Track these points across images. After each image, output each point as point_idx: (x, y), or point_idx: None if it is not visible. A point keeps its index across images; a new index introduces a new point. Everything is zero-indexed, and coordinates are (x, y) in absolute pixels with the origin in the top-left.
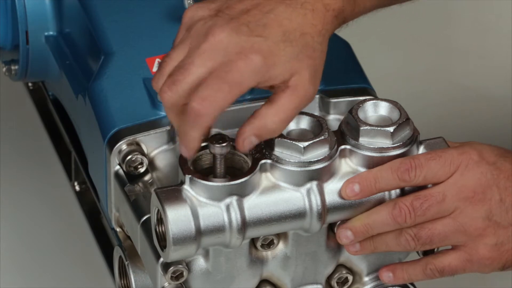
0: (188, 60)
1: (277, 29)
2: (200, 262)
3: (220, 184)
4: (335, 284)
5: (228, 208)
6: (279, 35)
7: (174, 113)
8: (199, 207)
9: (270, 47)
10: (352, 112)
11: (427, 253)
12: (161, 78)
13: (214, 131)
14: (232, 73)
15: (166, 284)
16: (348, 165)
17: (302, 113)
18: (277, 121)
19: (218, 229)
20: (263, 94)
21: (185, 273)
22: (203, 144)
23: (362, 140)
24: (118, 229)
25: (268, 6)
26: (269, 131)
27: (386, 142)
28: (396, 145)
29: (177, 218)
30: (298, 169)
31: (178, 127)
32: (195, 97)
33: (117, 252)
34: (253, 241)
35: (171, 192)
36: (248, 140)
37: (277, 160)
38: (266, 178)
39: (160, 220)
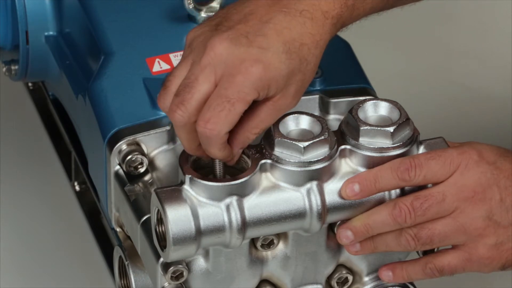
0: (192, 78)
1: (276, 39)
2: (200, 262)
3: (220, 184)
4: (335, 284)
5: (228, 208)
6: (279, 45)
7: (186, 131)
8: (199, 207)
9: (270, 59)
10: (352, 112)
11: (427, 253)
12: (167, 97)
13: None
14: (232, 89)
15: (166, 284)
16: (348, 165)
17: (302, 113)
18: (257, 133)
19: (218, 229)
20: None
21: (185, 273)
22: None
23: (362, 140)
24: (118, 229)
25: (267, 15)
26: (252, 140)
27: (386, 142)
28: (396, 145)
29: (177, 218)
30: (298, 169)
31: (189, 145)
32: (199, 120)
33: (117, 252)
34: (253, 241)
35: (171, 192)
36: (237, 156)
37: (277, 160)
38: (266, 178)
39: (160, 220)
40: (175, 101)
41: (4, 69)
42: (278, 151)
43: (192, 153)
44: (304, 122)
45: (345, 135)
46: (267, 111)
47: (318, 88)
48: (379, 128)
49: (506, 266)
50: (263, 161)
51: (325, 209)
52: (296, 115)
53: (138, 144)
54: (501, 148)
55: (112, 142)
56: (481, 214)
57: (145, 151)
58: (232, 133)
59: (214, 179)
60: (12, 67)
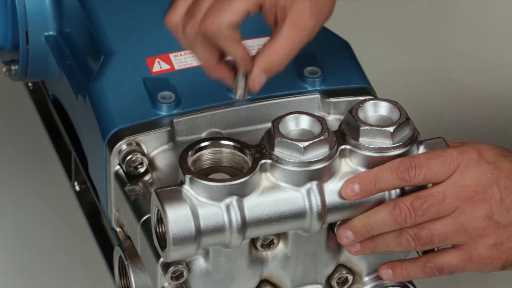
0: None
1: None
2: (200, 262)
3: (220, 184)
4: (335, 284)
5: (228, 208)
6: None
7: (199, 44)
8: (199, 207)
9: None
10: (352, 112)
11: (427, 252)
12: (175, 14)
13: (213, 131)
14: None
15: (166, 284)
16: (348, 165)
17: (302, 113)
18: (282, 55)
19: (218, 229)
20: (264, 94)
21: (185, 273)
22: (203, 144)
23: (362, 140)
24: (118, 229)
25: None
26: (276, 66)
27: (386, 142)
28: (396, 145)
29: (177, 218)
30: (298, 169)
31: (206, 61)
32: (201, 20)
33: (117, 252)
34: (253, 241)
35: (171, 192)
36: (258, 79)
37: (277, 160)
38: (266, 178)
39: (160, 220)
40: (185, 18)
41: (4, 69)
42: (278, 151)
43: (212, 74)
44: (304, 122)
45: (345, 135)
46: (286, 31)
47: (318, 88)
48: (379, 128)
49: (506, 265)
50: (263, 161)
51: (325, 209)
52: (296, 115)
53: (138, 144)
54: (501, 147)
55: (112, 142)
56: (481, 214)
57: (145, 151)
58: (255, 56)
59: (214, 179)
60: (12, 67)
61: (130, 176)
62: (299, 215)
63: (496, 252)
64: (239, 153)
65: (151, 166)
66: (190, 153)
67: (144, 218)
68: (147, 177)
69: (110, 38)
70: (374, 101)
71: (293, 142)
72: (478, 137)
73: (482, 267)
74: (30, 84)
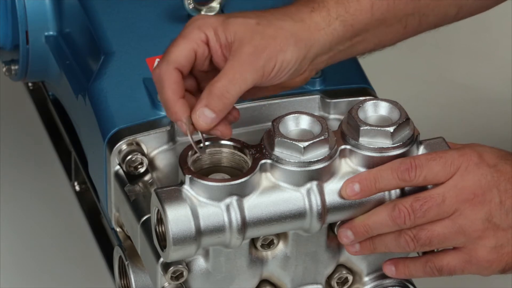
0: None
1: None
2: (200, 262)
3: (220, 184)
4: (335, 284)
5: (228, 208)
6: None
7: None
8: (199, 207)
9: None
10: (352, 112)
11: (428, 253)
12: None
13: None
14: None
15: (166, 284)
16: (348, 165)
17: (302, 113)
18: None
19: (218, 229)
20: None
21: (185, 273)
22: (204, 144)
23: (362, 140)
24: (118, 229)
25: None
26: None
27: (386, 142)
28: (396, 145)
29: (177, 218)
30: (298, 169)
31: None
32: None
33: (117, 252)
34: (253, 241)
35: (171, 192)
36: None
37: (277, 160)
38: (266, 178)
39: (160, 220)
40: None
41: (4, 69)
42: (278, 151)
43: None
44: (304, 122)
45: (345, 135)
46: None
47: (318, 88)
48: (379, 128)
49: (506, 269)
50: (263, 161)
51: (325, 209)
52: (296, 115)
53: (138, 144)
54: (502, 150)
55: (112, 142)
56: (480, 216)
57: (145, 151)
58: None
59: (214, 179)
60: (12, 67)
61: (130, 176)
62: (299, 215)
63: (496, 256)
64: (239, 153)
65: (151, 166)
66: (190, 153)
67: (144, 218)
68: (147, 177)
69: (110, 38)
70: (374, 101)
71: (293, 142)
72: (478, 137)
73: (481, 270)
74: (30, 84)
